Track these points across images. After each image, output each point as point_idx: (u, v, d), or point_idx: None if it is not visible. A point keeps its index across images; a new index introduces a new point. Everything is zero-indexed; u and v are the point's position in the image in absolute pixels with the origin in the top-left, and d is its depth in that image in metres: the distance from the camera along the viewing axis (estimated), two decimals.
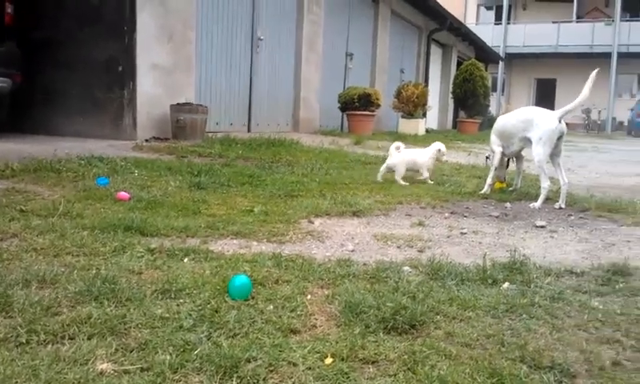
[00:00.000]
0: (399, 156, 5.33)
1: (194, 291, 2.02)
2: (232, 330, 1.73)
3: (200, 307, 1.88)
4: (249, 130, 9.42)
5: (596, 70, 4.42)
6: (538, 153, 4.46)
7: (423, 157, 5.46)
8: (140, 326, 1.73)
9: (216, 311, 1.86)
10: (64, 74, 7.28)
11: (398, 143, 5.45)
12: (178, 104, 6.93)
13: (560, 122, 4.43)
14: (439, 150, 5.44)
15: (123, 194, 3.69)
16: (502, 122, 4.95)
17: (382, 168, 5.38)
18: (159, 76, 7.08)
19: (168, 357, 1.52)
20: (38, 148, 5.38)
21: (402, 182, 5.25)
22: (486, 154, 5.37)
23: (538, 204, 4.39)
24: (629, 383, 1.56)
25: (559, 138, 4.51)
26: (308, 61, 10.86)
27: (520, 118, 4.71)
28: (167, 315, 1.81)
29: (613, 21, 28.59)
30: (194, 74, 7.79)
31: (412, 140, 11.19)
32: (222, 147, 6.64)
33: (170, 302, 1.93)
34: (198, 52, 7.95)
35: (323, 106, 11.60)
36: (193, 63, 7.72)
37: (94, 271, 2.16)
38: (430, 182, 5.38)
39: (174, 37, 7.26)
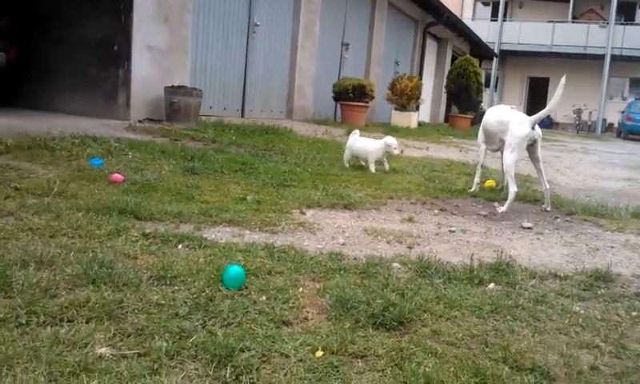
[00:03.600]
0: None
1: (189, 279, 2.06)
2: (226, 319, 1.78)
3: (195, 295, 1.93)
4: (242, 116, 9.41)
5: (564, 76, 4.32)
6: (506, 158, 4.45)
7: (373, 147, 5.65)
8: (136, 311, 1.77)
9: (210, 300, 1.90)
10: (58, 51, 7.23)
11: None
12: (172, 86, 6.91)
13: (533, 128, 4.39)
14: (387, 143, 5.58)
15: (117, 176, 3.71)
16: (484, 119, 4.92)
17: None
18: (155, 57, 7.05)
19: (164, 343, 1.57)
20: (32, 125, 5.37)
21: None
22: None
23: (504, 208, 4.25)
24: None
25: (534, 144, 4.49)
26: (304, 48, 10.84)
27: (498, 119, 4.65)
28: (163, 302, 1.85)
29: (608, 23, 28.71)
30: (190, 57, 7.76)
31: (404, 133, 11.29)
32: (216, 132, 6.65)
33: (165, 288, 1.98)
34: (194, 35, 7.92)
35: (317, 94, 11.60)
36: (188, 46, 7.69)
37: (91, 254, 2.19)
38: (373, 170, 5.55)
39: (170, 18, 7.22)
